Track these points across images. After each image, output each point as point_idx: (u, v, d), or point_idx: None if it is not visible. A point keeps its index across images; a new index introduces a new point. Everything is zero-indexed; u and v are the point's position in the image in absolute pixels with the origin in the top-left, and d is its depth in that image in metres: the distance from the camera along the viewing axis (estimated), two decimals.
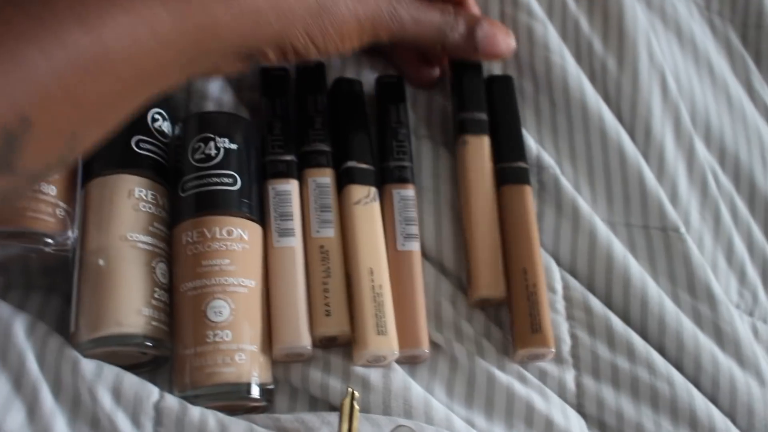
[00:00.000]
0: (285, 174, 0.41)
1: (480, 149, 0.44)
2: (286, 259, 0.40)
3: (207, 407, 0.37)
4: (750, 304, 0.46)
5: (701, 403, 0.41)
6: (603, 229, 0.44)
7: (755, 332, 0.45)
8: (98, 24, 0.30)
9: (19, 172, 0.30)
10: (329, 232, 0.41)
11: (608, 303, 0.43)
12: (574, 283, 0.43)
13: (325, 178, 0.42)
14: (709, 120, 0.49)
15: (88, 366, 0.36)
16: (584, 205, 0.44)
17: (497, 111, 0.46)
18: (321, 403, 0.39)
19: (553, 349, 0.40)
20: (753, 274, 0.46)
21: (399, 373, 0.39)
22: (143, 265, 0.38)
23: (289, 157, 0.42)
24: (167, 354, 0.38)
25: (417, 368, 0.40)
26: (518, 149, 0.45)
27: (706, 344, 0.42)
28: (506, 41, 0.44)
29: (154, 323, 0.37)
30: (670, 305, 0.43)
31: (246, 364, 0.37)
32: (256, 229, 0.40)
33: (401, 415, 0.38)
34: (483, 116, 0.45)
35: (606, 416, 0.41)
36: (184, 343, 0.37)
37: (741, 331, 0.43)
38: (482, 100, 0.45)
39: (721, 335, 0.43)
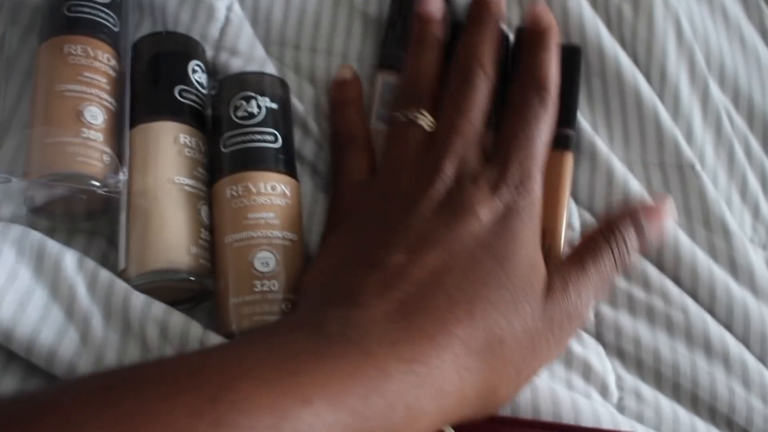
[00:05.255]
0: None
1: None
2: None
3: None
4: (764, 238, 0.49)
5: (715, 329, 0.44)
6: (620, 168, 0.47)
7: None
8: None
9: None
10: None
11: None
12: (591, 220, 0.47)
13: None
14: (723, 62, 0.52)
15: (138, 300, 0.40)
16: (602, 145, 0.47)
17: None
18: None
19: None
20: (766, 210, 0.49)
21: None
22: (190, 206, 0.42)
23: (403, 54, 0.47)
24: (209, 290, 0.41)
25: None
26: (569, 115, 0.46)
27: (721, 275, 0.45)
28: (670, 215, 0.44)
29: (201, 261, 0.41)
30: (684, 239, 0.46)
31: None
32: (295, 185, 0.43)
33: None
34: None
35: (624, 343, 0.44)
36: (231, 291, 0.41)
37: (755, 262, 0.46)
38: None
39: (735, 266, 0.46)
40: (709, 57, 0.52)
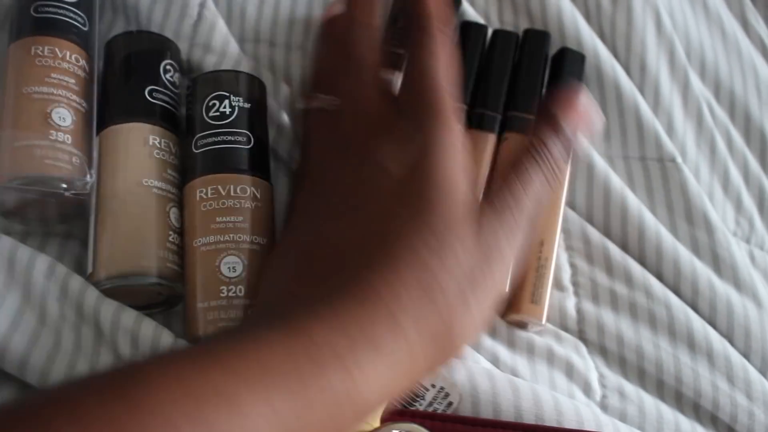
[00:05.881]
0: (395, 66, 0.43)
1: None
2: None
3: None
4: (746, 232, 0.48)
5: (698, 325, 0.44)
6: (600, 163, 0.46)
7: (752, 258, 0.48)
8: None
9: None
10: None
11: (607, 234, 0.46)
12: (572, 215, 0.46)
13: None
14: (704, 54, 0.52)
15: (109, 308, 0.39)
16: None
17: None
18: None
19: (544, 323, 0.43)
20: (749, 202, 0.49)
21: None
22: (159, 209, 0.41)
23: (401, 51, 0.43)
24: (180, 293, 0.41)
25: None
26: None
27: (703, 270, 0.45)
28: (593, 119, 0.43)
29: (169, 265, 0.40)
30: (666, 234, 0.45)
31: None
32: (267, 187, 0.42)
33: None
34: (532, 117, 0.46)
35: (606, 341, 0.43)
36: (198, 296, 0.40)
37: (738, 256, 0.46)
38: (536, 102, 0.47)
39: (718, 261, 0.46)
40: (689, 49, 0.52)
